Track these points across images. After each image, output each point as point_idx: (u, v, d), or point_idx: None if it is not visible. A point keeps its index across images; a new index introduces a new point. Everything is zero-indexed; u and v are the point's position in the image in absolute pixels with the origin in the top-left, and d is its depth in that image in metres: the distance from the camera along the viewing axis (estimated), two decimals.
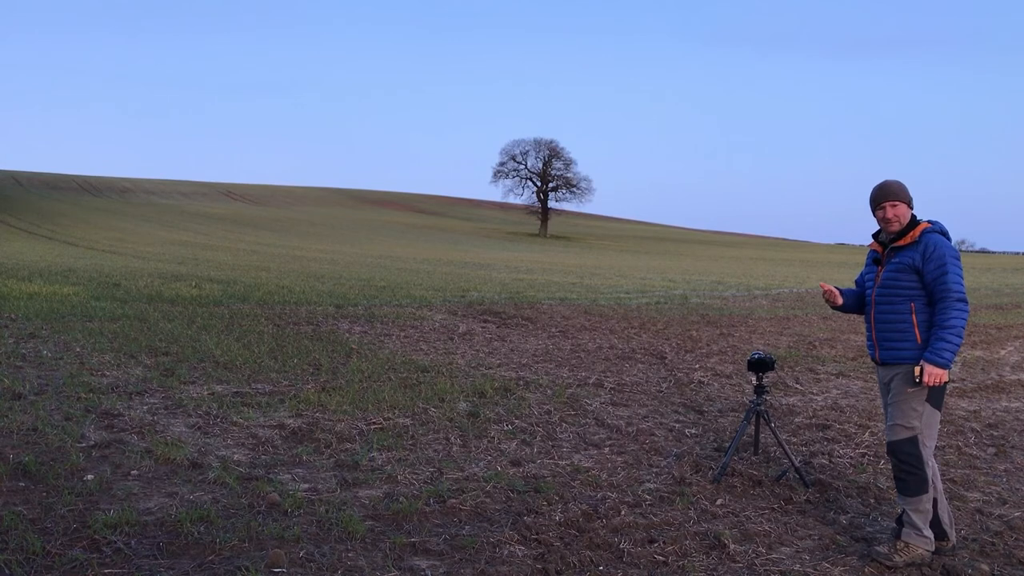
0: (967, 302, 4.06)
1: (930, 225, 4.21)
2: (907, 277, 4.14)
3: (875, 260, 4.37)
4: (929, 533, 4.05)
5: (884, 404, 4.33)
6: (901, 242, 4.19)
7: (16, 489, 4.42)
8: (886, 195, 4.22)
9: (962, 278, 4.09)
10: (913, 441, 4.07)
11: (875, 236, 4.38)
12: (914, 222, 4.22)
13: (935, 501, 4.13)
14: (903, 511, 4.11)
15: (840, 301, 4.47)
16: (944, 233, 4.21)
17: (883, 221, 4.24)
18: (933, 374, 4.01)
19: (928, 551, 4.02)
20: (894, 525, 4.24)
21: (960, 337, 4.02)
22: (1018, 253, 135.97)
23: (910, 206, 4.23)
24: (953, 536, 4.18)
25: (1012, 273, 48.93)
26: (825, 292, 4.47)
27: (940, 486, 4.22)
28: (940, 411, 4.18)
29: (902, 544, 4.00)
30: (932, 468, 4.12)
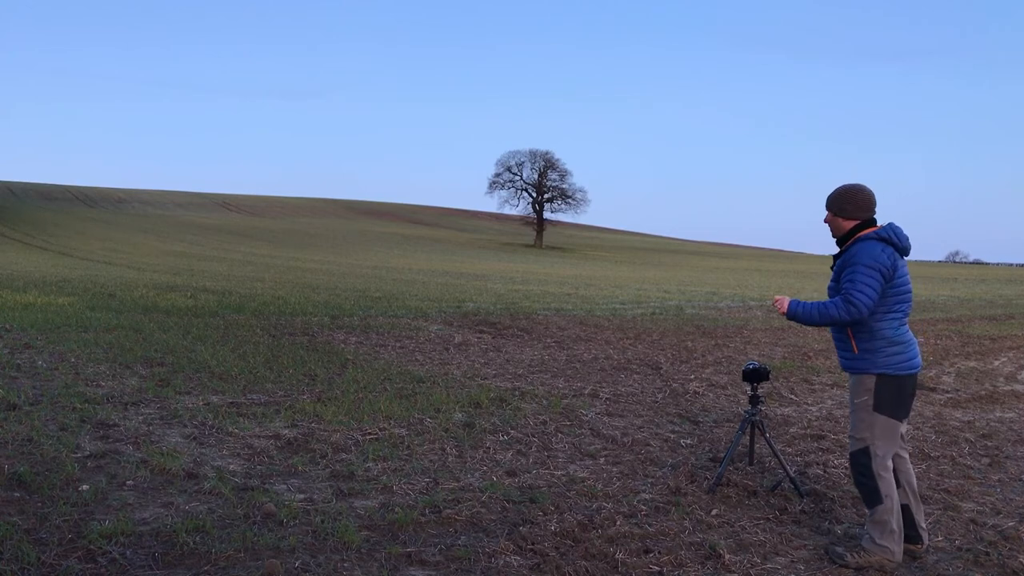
0: (858, 309, 3.92)
1: (871, 231, 4.06)
2: (837, 287, 4.13)
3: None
4: (885, 542, 4.00)
5: None
6: (841, 250, 4.18)
7: (11, 500, 4.40)
8: (826, 203, 4.21)
9: (871, 288, 3.91)
10: (864, 452, 4.07)
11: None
12: (855, 230, 4.11)
13: (909, 507, 4.14)
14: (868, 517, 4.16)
15: None
16: (886, 239, 4.01)
17: None
18: (781, 302, 4.21)
19: (887, 559, 3.98)
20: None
21: (819, 321, 4.06)
22: (1012, 265, 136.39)
23: (847, 217, 4.11)
24: (926, 539, 4.21)
25: (1006, 284, 49.13)
26: None
27: (914, 490, 4.21)
28: (900, 420, 4.08)
29: (859, 547, 4.06)
30: (889, 480, 4.05)
